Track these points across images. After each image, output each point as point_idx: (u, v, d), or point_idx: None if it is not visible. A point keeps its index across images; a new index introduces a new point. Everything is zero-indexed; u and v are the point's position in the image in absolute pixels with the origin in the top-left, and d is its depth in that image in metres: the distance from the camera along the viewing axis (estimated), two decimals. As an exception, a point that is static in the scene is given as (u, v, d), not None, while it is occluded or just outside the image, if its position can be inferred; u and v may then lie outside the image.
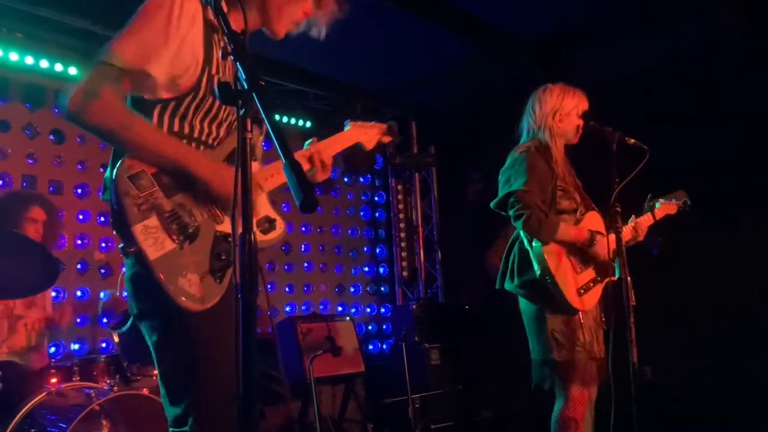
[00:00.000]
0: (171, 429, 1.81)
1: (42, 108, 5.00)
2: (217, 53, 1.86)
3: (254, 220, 1.53)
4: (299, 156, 2.12)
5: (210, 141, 1.90)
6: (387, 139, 2.50)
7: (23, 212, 3.87)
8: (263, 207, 2.02)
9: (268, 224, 1.97)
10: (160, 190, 1.76)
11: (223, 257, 1.80)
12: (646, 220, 3.39)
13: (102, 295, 4.50)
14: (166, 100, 1.83)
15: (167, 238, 1.73)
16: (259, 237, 1.83)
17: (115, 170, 1.74)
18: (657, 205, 3.44)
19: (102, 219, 5.18)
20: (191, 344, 1.77)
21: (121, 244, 1.77)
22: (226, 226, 1.85)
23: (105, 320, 4.24)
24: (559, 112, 3.24)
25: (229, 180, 1.74)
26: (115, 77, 1.72)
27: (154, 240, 1.70)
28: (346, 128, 2.38)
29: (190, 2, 1.80)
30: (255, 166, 1.98)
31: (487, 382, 6.06)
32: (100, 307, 4.01)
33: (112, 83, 1.71)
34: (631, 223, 3.35)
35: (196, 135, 1.87)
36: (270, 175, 2.00)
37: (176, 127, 1.84)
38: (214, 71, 1.85)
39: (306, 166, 2.11)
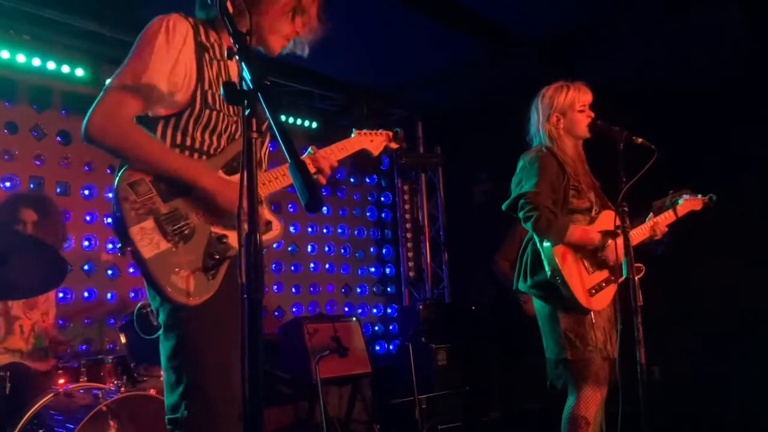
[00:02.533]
0: (167, 416, 1.94)
1: (49, 109, 5.02)
2: (209, 71, 2.01)
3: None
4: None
5: (211, 151, 2.03)
6: (394, 146, 2.64)
7: (12, 215, 3.82)
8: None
9: (264, 226, 2.07)
10: (158, 195, 1.91)
11: (216, 256, 1.93)
12: (666, 218, 3.31)
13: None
14: (166, 117, 1.99)
15: (162, 239, 1.87)
16: None
17: (116, 179, 1.90)
18: (680, 201, 3.32)
19: (109, 220, 5.16)
20: (183, 337, 1.92)
21: (119, 245, 1.91)
22: (221, 228, 1.97)
23: (112, 321, 4.24)
24: (554, 115, 3.23)
25: (231, 193, 1.92)
26: (126, 98, 1.90)
27: (149, 240, 1.85)
28: (352, 136, 2.52)
29: (180, 23, 1.99)
30: None
31: (494, 382, 6.05)
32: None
33: (124, 107, 1.90)
34: (649, 222, 3.29)
35: (197, 146, 2.01)
36: (267, 181, 2.11)
37: (178, 140, 2.00)
38: (206, 87, 2.00)
39: (311, 170, 2.21)
